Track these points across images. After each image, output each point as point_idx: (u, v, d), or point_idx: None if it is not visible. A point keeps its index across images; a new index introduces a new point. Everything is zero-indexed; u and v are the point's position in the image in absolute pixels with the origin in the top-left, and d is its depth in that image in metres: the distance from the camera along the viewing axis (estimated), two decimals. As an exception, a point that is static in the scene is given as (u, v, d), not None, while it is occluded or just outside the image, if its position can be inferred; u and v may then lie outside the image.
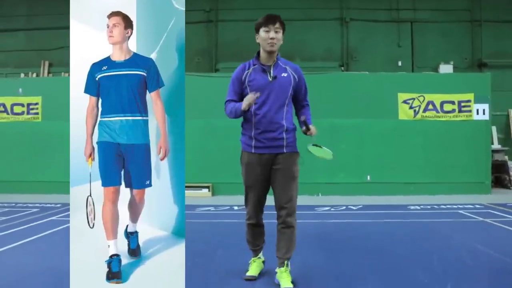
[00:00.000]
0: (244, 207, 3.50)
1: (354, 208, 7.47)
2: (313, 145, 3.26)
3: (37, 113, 9.76)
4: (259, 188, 3.34)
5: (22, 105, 9.77)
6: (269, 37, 3.17)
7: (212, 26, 12.71)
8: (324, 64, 12.15)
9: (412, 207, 7.52)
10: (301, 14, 12.54)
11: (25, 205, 7.75)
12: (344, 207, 7.53)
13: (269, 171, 3.30)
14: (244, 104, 3.14)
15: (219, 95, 9.25)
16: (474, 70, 12.41)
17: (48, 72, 12.78)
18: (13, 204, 7.80)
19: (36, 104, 9.75)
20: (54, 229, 5.60)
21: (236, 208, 7.26)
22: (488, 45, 12.40)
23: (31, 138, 9.70)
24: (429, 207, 7.55)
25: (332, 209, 7.33)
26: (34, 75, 12.56)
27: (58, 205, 7.74)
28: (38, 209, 7.32)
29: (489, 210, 7.09)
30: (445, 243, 4.86)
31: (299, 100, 3.43)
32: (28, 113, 9.76)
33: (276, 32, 3.18)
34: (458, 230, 5.54)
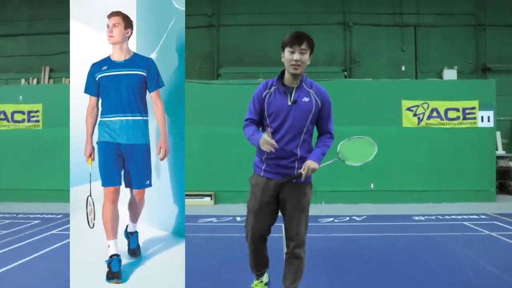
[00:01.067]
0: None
1: (358, 219, 7.38)
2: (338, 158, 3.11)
3: (37, 121, 9.69)
4: (261, 215, 3.11)
5: (23, 112, 9.71)
6: (293, 59, 2.90)
7: (214, 30, 12.64)
8: (327, 69, 12.08)
9: (416, 218, 7.43)
10: (303, 18, 12.44)
11: (26, 216, 7.68)
12: (348, 218, 7.44)
13: (275, 199, 3.10)
14: (261, 145, 2.89)
15: (221, 102, 9.41)
16: (478, 75, 12.32)
17: (49, 78, 12.73)
18: (14, 215, 7.74)
19: (37, 111, 9.69)
20: (54, 245, 5.52)
21: (238, 219, 7.19)
22: (492, 49, 12.31)
23: (32, 146, 9.65)
24: (433, 217, 7.46)
25: (336, 220, 7.25)
26: (35, 80, 12.50)
27: (59, 216, 7.67)
28: (39, 220, 7.25)
29: (495, 222, 6.99)
30: (452, 260, 4.76)
31: (320, 128, 3.13)
32: (28, 120, 9.70)
33: (301, 53, 2.90)
34: (464, 245, 5.41)
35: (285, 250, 3.27)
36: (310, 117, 3.00)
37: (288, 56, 2.92)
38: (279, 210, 3.18)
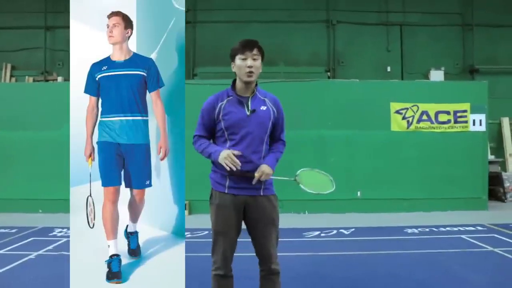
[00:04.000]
0: (211, 255, 2.88)
1: (346, 232, 6.74)
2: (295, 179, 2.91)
3: (-7, 123, 8.78)
4: (232, 234, 2.86)
5: (-24, 114, 8.78)
6: (246, 65, 2.79)
7: (190, 27, 11.86)
8: (309, 69, 11.50)
9: (409, 230, 6.85)
10: (285, 15, 11.83)
11: (-27, 231, 6.81)
12: (335, 231, 6.79)
13: (242, 215, 2.89)
14: (222, 161, 2.72)
15: (197, 104, 8.58)
16: (466, 76, 11.92)
17: (11, 76, 11.74)
18: (-39, 230, 6.85)
19: (-8, 113, 8.77)
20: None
21: (215, 233, 6.44)
22: (480, 50, 11.91)
23: (-15, 151, 8.72)
24: (427, 230, 6.88)
25: (322, 234, 6.59)
26: (-5, 79, 11.53)
27: (14, 230, 6.84)
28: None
29: (494, 234, 6.46)
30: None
31: (274, 136, 3.01)
32: (-18, 123, 8.77)
33: (254, 59, 2.80)
34: (472, 267, 4.80)
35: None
36: (269, 126, 2.91)
37: (240, 63, 2.82)
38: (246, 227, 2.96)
